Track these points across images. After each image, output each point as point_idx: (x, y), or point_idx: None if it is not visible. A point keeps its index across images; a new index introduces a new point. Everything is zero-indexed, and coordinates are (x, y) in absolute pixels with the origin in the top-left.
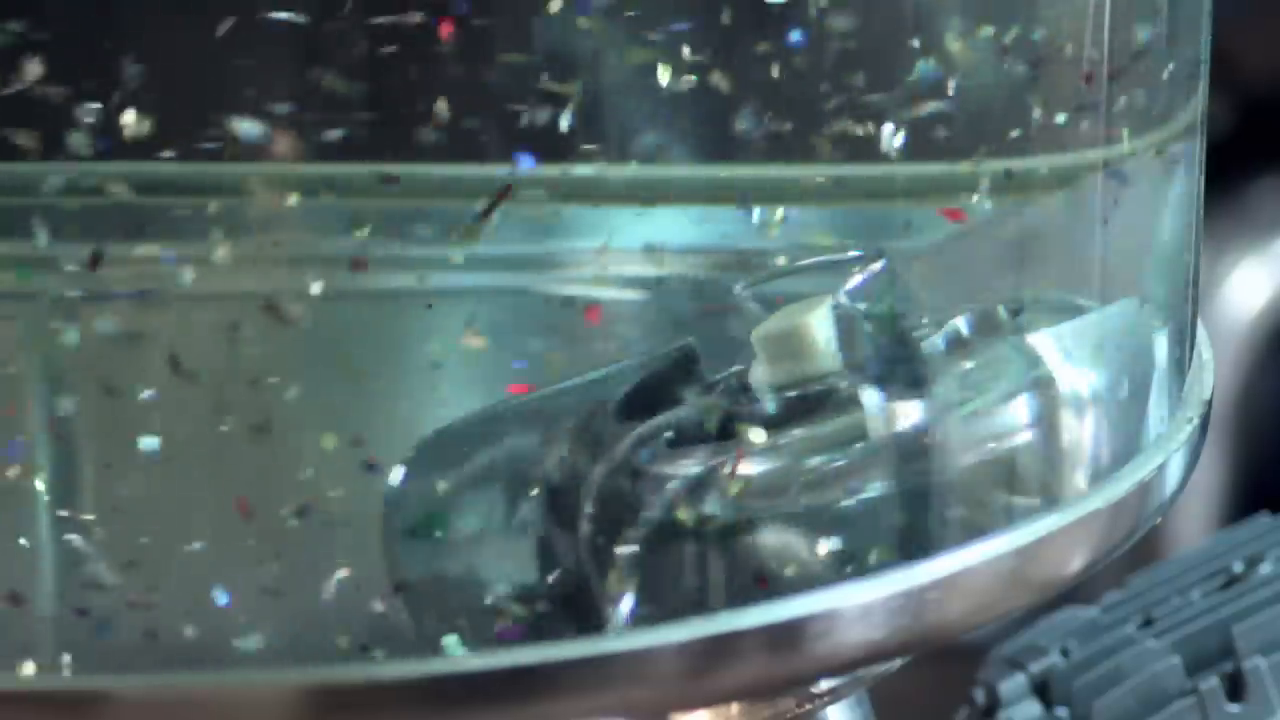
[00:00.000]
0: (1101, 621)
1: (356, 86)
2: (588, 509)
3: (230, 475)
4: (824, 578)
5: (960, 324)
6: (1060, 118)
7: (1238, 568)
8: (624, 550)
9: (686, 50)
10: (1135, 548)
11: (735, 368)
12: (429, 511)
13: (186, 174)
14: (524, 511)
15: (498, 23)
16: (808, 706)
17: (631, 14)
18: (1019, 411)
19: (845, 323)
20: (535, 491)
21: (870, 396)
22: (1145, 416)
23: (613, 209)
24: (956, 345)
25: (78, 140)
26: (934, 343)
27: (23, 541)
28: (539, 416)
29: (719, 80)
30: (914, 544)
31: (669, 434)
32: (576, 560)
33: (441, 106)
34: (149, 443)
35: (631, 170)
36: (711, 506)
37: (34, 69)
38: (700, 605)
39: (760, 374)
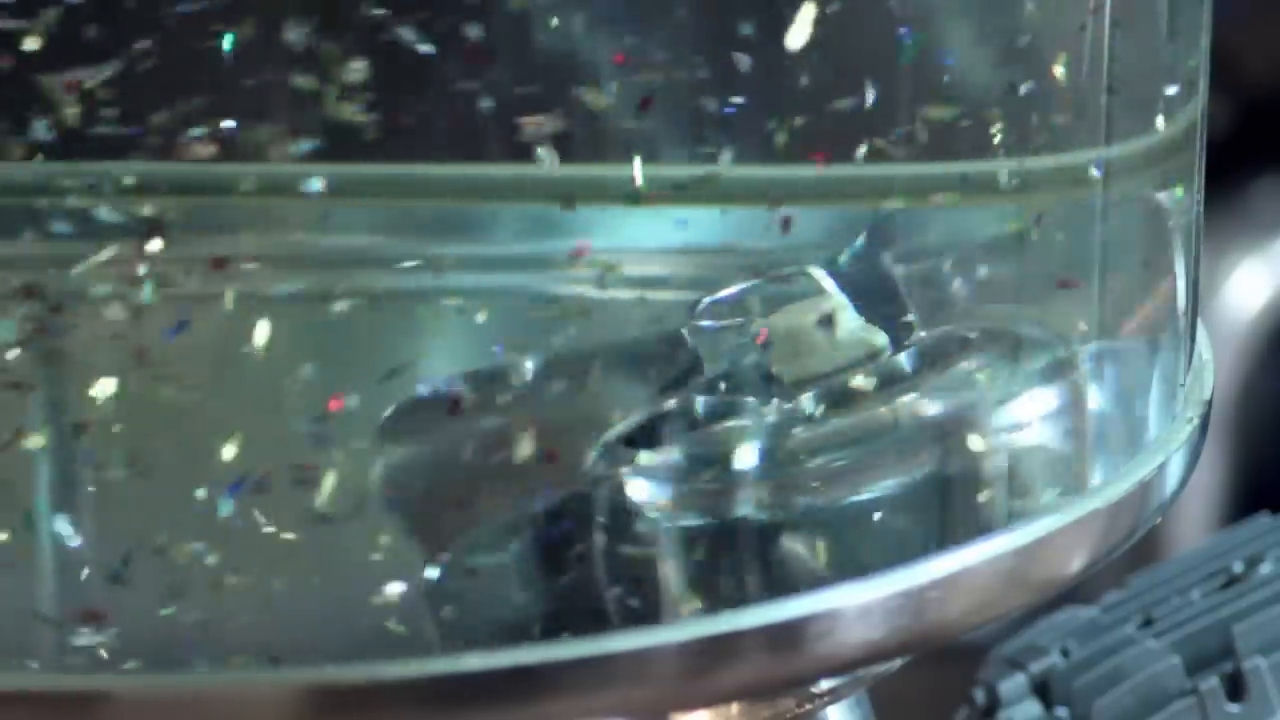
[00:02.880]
0: (1101, 621)
1: (354, 86)
2: (595, 514)
3: (230, 475)
4: (837, 575)
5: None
6: (1055, 120)
7: (1238, 568)
8: (638, 552)
9: (686, 48)
10: (1135, 548)
11: (735, 365)
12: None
13: (183, 174)
14: (526, 516)
15: (498, 23)
16: (808, 706)
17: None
18: (1033, 403)
19: (845, 320)
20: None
21: (883, 390)
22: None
23: (610, 209)
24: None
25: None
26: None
27: (22, 540)
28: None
29: (720, 79)
30: (927, 540)
31: (672, 432)
32: (581, 562)
33: (443, 107)
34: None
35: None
36: (720, 505)
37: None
38: (718, 602)
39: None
